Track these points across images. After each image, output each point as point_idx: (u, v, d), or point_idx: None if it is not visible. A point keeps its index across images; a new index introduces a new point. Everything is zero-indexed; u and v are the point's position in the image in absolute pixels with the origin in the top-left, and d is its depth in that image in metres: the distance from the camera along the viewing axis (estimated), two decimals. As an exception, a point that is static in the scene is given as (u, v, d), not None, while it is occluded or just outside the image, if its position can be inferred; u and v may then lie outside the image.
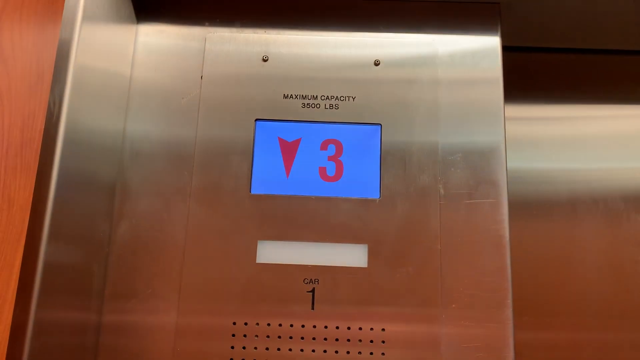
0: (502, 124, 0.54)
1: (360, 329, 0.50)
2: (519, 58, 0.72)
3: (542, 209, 0.70)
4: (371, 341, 0.50)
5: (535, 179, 0.71)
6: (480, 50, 0.56)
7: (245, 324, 0.50)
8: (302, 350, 0.49)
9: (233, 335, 0.49)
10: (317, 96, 0.55)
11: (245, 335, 0.49)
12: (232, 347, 0.49)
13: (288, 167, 0.53)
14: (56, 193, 0.47)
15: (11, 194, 0.46)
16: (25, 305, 0.46)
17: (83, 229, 0.49)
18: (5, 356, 0.44)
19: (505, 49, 0.57)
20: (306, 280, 0.51)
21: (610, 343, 0.67)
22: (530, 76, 0.74)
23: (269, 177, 0.53)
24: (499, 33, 0.57)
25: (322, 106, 0.55)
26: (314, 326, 0.50)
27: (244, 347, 0.49)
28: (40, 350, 0.46)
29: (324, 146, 0.54)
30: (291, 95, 0.55)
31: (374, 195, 0.53)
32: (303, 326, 0.50)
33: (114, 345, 0.50)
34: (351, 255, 0.51)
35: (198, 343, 0.49)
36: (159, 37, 0.57)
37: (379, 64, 0.56)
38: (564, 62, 0.74)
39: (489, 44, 0.57)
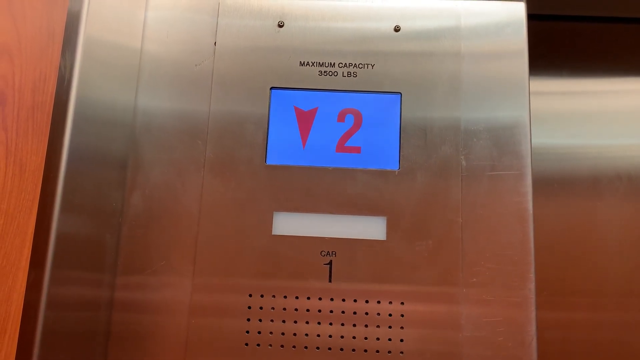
0: (526, 97, 0.52)
1: (378, 302, 0.49)
2: (541, 27, 0.69)
3: (563, 186, 0.69)
4: (390, 315, 0.48)
5: (557, 155, 0.69)
6: (504, 17, 0.54)
7: (262, 296, 0.49)
8: (319, 323, 0.48)
9: (249, 307, 0.49)
10: (334, 63, 0.53)
11: (261, 308, 0.48)
12: (248, 320, 0.48)
13: (304, 137, 0.52)
14: (68, 161, 0.46)
15: (23, 158, 0.45)
16: (38, 279, 0.45)
17: (95, 198, 0.48)
18: (19, 325, 0.43)
19: (528, 17, 0.55)
20: (323, 253, 0.49)
21: (632, 322, 0.66)
22: (552, 47, 0.71)
23: (284, 148, 0.52)
24: (525, -2, 0.55)
25: (340, 74, 0.53)
26: (332, 299, 0.49)
27: (260, 320, 0.48)
28: (53, 323, 0.45)
29: (341, 116, 0.52)
30: (307, 62, 0.53)
31: (393, 166, 0.51)
32: (320, 299, 0.49)
33: (128, 309, 0.49)
34: (369, 228, 0.50)
35: (213, 316, 0.48)
36: (170, 2, 0.55)
37: (399, 30, 0.54)
38: (588, 31, 0.71)
39: (514, 9, 0.54)
